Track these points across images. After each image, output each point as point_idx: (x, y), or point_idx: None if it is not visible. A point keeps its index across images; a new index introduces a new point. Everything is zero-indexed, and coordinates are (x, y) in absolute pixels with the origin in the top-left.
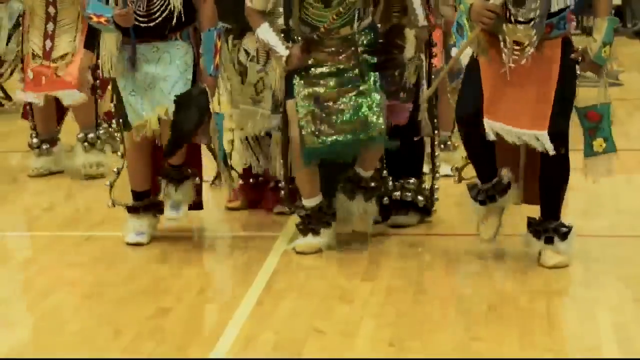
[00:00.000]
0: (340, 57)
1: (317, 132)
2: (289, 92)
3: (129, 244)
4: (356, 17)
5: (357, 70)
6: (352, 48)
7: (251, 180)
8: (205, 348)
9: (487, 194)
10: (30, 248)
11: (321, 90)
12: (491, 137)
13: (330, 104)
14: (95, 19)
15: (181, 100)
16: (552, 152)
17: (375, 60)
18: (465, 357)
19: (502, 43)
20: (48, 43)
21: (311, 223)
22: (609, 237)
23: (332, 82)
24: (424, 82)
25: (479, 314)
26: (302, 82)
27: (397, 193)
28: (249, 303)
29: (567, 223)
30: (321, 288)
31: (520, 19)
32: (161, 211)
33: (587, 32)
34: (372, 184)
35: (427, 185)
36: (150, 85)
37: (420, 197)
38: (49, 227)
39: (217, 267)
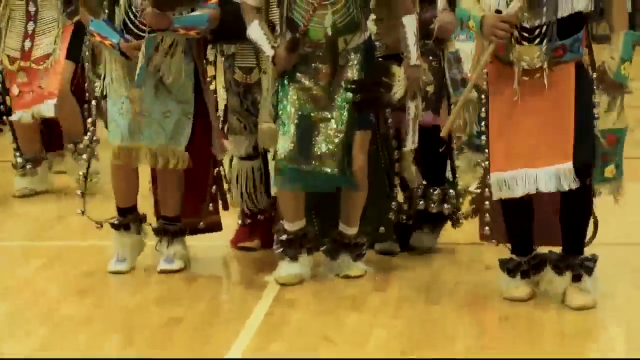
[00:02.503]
0: (322, 78)
1: (291, 158)
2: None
3: (110, 272)
4: (350, 27)
5: (335, 94)
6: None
7: (259, 216)
8: (216, 358)
9: (521, 269)
10: (42, 257)
11: (305, 113)
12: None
13: (309, 130)
14: (98, 38)
15: None
16: (573, 185)
17: (356, 98)
18: None
19: (514, 66)
20: (27, 43)
21: (291, 248)
22: (621, 245)
23: (311, 106)
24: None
25: (491, 324)
26: (289, 100)
27: (422, 203)
28: (260, 313)
29: (590, 255)
30: (331, 298)
31: (526, 25)
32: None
33: (597, 40)
34: (359, 241)
35: (451, 192)
36: (145, 110)
37: (446, 205)
38: (59, 236)
39: (227, 276)
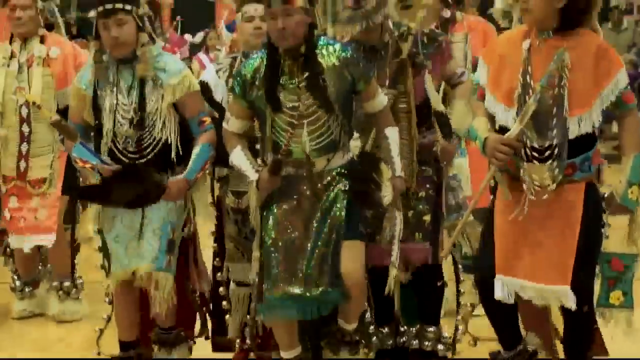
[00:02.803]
0: (304, 199)
1: (278, 288)
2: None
3: None
4: (332, 145)
5: (318, 214)
6: (319, 184)
7: (257, 340)
8: None
9: None
10: None
11: (289, 238)
12: (509, 298)
13: (295, 254)
14: (80, 163)
15: (129, 170)
16: (573, 307)
17: (352, 187)
18: None
19: (523, 185)
20: (22, 164)
21: None
22: None
23: (295, 229)
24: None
25: None
26: (272, 229)
27: (416, 342)
28: None
29: None
30: None
31: (535, 145)
32: None
33: None
34: (357, 338)
35: (446, 333)
36: (137, 235)
37: (440, 347)
38: (62, 352)
39: None
